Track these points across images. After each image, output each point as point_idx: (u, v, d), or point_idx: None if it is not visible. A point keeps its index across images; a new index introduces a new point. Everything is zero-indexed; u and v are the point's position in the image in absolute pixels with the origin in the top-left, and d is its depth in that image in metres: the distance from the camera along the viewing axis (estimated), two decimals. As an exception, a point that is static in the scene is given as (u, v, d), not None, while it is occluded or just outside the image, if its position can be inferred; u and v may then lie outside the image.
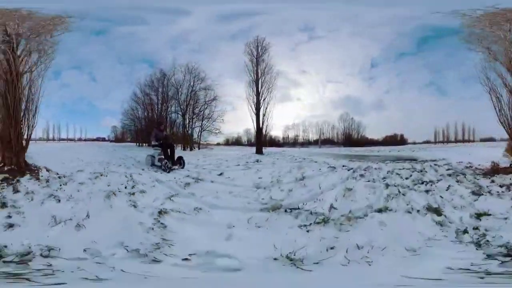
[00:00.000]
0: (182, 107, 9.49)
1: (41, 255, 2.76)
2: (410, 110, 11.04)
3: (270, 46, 9.17)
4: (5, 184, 5.14)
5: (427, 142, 11.32)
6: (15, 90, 6.28)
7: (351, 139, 11.13)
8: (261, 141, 8.64)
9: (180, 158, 8.43)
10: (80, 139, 9.76)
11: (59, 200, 4.28)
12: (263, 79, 8.66)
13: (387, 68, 11.21)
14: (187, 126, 9.52)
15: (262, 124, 8.52)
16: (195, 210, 4.04)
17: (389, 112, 11.05)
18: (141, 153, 9.05)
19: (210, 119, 9.45)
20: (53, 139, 9.41)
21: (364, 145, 11.15)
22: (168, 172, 7.62)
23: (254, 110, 8.65)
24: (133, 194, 4.62)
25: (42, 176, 5.80)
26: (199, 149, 9.68)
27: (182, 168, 8.21)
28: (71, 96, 9.54)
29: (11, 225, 3.49)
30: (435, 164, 8.00)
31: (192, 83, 9.38)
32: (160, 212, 3.82)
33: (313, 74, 11.25)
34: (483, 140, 10.99)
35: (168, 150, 8.24)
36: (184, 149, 9.55)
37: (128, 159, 8.33)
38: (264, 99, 8.53)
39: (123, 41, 9.37)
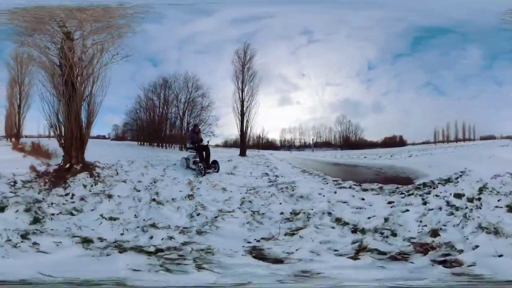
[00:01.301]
0: (181, 112, 10.04)
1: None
2: (409, 111, 11.06)
3: (256, 52, 9.84)
4: (94, 177, 6.73)
5: (427, 142, 11.19)
6: (78, 91, 7.14)
7: (348, 142, 11.18)
8: (244, 144, 9.79)
9: (215, 162, 8.77)
10: None
11: (131, 172, 7.68)
12: (248, 86, 9.46)
13: (385, 69, 11.39)
14: (185, 129, 10.09)
15: (246, 130, 9.55)
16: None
17: (388, 114, 11.09)
18: (144, 151, 10.05)
19: (205, 123, 10.19)
20: (54, 136, 10.00)
21: (362, 147, 11.17)
22: (203, 175, 8.15)
23: (239, 117, 9.56)
24: (153, 166, 8.74)
25: (104, 167, 7.48)
26: None
27: (217, 171, 8.63)
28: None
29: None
30: (458, 194, 4.86)
31: (190, 91, 10.05)
32: (164, 169, 8.62)
33: (312, 77, 11.59)
34: (483, 138, 10.75)
35: (204, 153, 8.64)
36: (181, 150, 10.40)
37: (137, 155, 9.75)
38: (247, 107, 9.40)
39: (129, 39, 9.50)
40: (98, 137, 10.15)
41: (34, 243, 4.27)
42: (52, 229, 4.67)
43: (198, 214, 5.32)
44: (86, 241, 4.40)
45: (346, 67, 11.75)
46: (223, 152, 10.58)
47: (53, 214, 5.11)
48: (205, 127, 10.21)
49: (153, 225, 4.77)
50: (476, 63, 10.11)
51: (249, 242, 4.47)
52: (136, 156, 9.54)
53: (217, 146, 10.72)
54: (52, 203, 5.43)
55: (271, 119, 11.28)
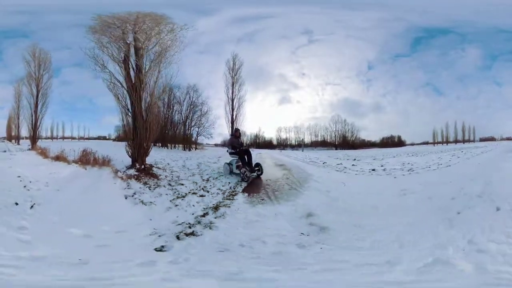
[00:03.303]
0: (183, 117, 11.13)
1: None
2: (408, 111, 10.96)
3: (243, 63, 10.70)
4: (160, 168, 8.76)
5: (426, 143, 11.09)
6: (141, 103, 8.32)
7: (345, 141, 11.29)
8: None
9: (258, 164, 8.53)
10: (82, 138, 10.35)
11: (170, 163, 9.47)
12: (237, 97, 10.61)
13: (384, 69, 11.31)
14: (187, 131, 11.13)
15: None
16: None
17: (387, 113, 11.06)
18: (156, 152, 10.16)
19: (204, 127, 11.18)
20: (56, 137, 10.11)
21: (359, 147, 11.25)
22: (247, 181, 8.03)
23: (230, 124, 10.57)
24: (176, 160, 9.84)
25: (155, 163, 9.08)
26: (195, 149, 11.18)
27: (261, 174, 8.42)
28: (71, 93, 9.94)
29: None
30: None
31: (192, 99, 11.04)
32: (184, 160, 10.06)
33: (312, 76, 11.74)
34: (483, 139, 10.52)
35: (245, 157, 8.43)
36: (184, 150, 11.21)
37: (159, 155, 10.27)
38: (236, 116, 10.53)
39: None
40: (99, 138, 10.59)
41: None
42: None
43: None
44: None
45: (346, 67, 11.81)
46: (217, 151, 11.19)
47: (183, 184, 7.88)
48: (204, 130, 11.16)
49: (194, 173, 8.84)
50: (476, 64, 9.91)
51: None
52: (158, 156, 10.14)
53: (216, 145, 11.34)
54: (168, 184, 7.79)
55: (271, 118, 11.63)
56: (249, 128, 11.20)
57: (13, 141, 10.20)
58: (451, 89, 10.21)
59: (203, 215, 5.44)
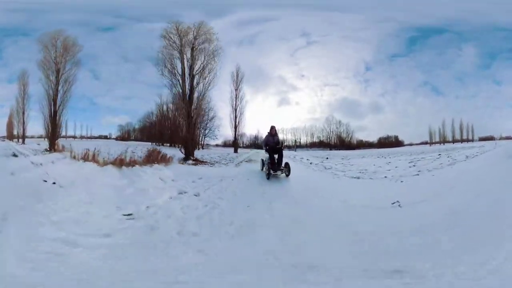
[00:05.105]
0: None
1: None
2: (408, 111, 10.93)
3: (244, 75, 11.88)
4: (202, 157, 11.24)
5: (425, 143, 10.99)
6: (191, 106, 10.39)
7: (341, 142, 11.38)
8: (236, 145, 12.27)
9: (286, 165, 8.39)
10: (82, 137, 10.51)
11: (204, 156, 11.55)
12: (239, 107, 11.90)
13: (382, 70, 11.37)
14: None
15: (238, 136, 12.25)
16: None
17: (386, 114, 11.09)
18: (171, 150, 11.15)
19: (210, 130, 12.31)
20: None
21: (356, 147, 11.31)
22: (268, 178, 8.26)
23: (233, 128, 12.00)
24: (203, 154, 11.54)
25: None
26: (202, 149, 12.23)
27: (287, 176, 8.27)
28: (72, 93, 9.70)
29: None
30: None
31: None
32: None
33: (311, 78, 12.00)
34: (482, 139, 10.30)
35: (275, 156, 8.42)
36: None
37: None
38: (239, 121, 11.95)
39: (134, 39, 10.15)
40: (100, 137, 10.81)
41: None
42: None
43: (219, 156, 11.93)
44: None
45: (344, 67, 11.90)
46: (222, 150, 12.33)
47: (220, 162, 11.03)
48: (210, 132, 12.28)
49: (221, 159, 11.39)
50: (474, 63, 9.76)
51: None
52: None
53: (217, 146, 12.10)
54: (216, 163, 10.88)
55: (270, 119, 12.00)
56: (248, 130, 12.01)
57: (16, 140, 9.46)
58: (450, 89, 10.16)
59: (236, 165, 10.24)
